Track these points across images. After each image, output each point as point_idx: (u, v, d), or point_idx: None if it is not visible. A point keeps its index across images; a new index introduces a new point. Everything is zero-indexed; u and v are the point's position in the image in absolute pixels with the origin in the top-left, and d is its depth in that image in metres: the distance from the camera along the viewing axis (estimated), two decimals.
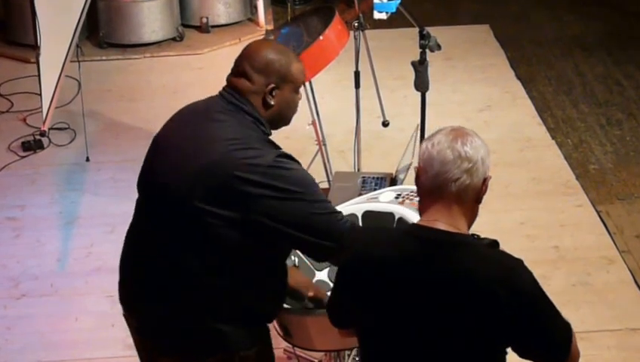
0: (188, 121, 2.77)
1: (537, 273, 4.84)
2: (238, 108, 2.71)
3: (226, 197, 2.60)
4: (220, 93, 2.78)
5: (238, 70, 2.75)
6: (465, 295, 2.29)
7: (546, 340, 2.35)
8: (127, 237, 2.90)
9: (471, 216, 2.41)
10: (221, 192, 2.60)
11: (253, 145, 2.64)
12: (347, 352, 3.50)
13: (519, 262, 2.35)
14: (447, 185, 2.33)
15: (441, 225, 2.35)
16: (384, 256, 2.40)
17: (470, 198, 2.36)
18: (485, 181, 2.38)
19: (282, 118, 2.82)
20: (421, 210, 2.43)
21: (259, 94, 2.73)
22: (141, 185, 2.86)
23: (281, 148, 2.73)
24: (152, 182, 2.80)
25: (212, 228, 2.62)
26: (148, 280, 2.80)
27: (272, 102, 2.74)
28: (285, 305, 2.97)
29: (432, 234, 2.35)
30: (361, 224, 3.25)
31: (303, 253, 2.94)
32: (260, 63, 2.73)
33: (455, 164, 2.32)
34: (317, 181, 4.60)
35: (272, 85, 2.73)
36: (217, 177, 2.60)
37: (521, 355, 2.38)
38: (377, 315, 2.42)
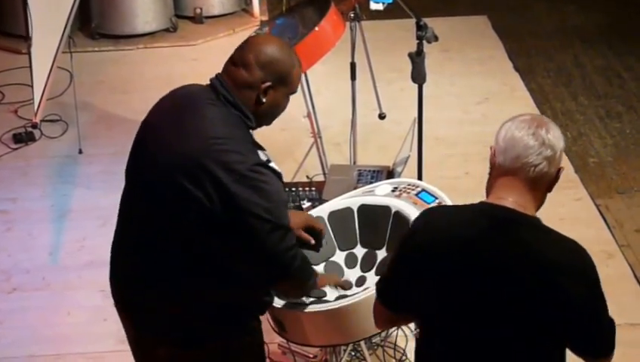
0: (176, 111, 2.72)
1: None
2: (227, 102, 2.68)
3: (203, 183, 2.57)
4: (211, 82, 2.74)
5: (241, 59, 2.70)
6: (533, 274, 2.32)
7: (597, 331, 2.40)
8: (117, 226, 2.88)
9: (539, 203, 2.45)
10: (199, 177, 2.57)
11: (235, 147, 2.61)
12: (343, 347, 3.47)
13: (584, 249, 2.40)
14: (526, 170, 2.37)
15: (511, 205, 2.39)
16: (455, 235, 2.40)
17: (543, 186, 2.41)
18: (559, 171, 2.42)
19: (267, 118, 2.78)
20: (489, 188, 2.46)
21: (253, 89, 2.69)
22: (128, 173, 2.84)
23: (264, 150, 2.69)
24: (138, 170, 2.78)
25: (193, 212, 2.60)
26: (138, 269, 2.78)
27: (264, 100, 2.70)
28: (280, 302, 2.93)
29: (504, 213, 2.38)
30: (356, 218, 3.21)
31: (244, 266, 2.76)
32: (264, 58, 2.69)
33: (537, 150, 2.37)
34: (312, 174, 4.65)
35: (269, 83, 2.69)
36: (195, 171, 2.57)
37: (572, 348, 2.41)
38: (443, 295, 2.41)
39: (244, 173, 2.56)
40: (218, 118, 2.65)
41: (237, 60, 2.71)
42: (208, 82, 2.76)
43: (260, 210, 2.57)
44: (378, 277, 2.64)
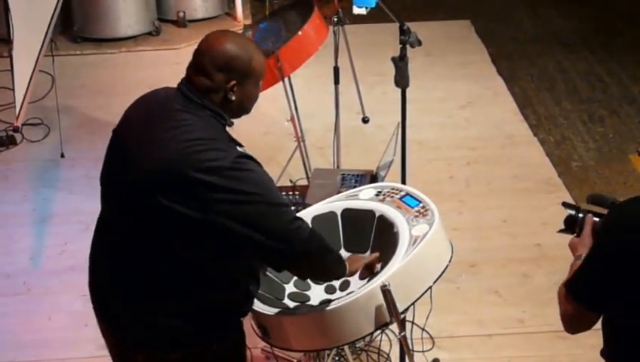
0: (149, 118, 2.71)
1: (519, 271, 4.81)
2: (197, 105, 2.66)
3: (186, 197, 2.56)
4: (178, 87, 2.72)
5: (198, 67, 2.69)
6: None
7: None
8: (94, 233, 2.87)
9: None
10: (180, 192, 2.56)
11: (213, 145, 2.60)
12: (327, 352, 3.46)
13: None
14: None
15: None
16: None
17: None
18: None
19: (243, 110, 2.77)
20: None
21: (219, 92, 2.67)
22: (103, 181, 2.83)
23: (243, 146, 2.69)
24: (114, 179, 2.76)
25: (173, 225, 2.60)
26: (114, 277, 2.77)
27: (233, 98, 2.69)
28: (263, 307, 2.91)
29: None
30: (340, 222, 3.20)
31: (260, 258, 2.83)
32: (221, 60, 2.66)
33: None
34: (295, 178, 4.64)
35: (234, 82, 2.67)
36: (177, 177, 2.56)
37: None
38: None
39: (227, 166, 2.55)
40: (192, 122, 2.63)
41: (195, 68, 2.69)
42: (176, 87, 2.74)
43: (251, 196, 2.56)
44: (568, 281, 2.54)
